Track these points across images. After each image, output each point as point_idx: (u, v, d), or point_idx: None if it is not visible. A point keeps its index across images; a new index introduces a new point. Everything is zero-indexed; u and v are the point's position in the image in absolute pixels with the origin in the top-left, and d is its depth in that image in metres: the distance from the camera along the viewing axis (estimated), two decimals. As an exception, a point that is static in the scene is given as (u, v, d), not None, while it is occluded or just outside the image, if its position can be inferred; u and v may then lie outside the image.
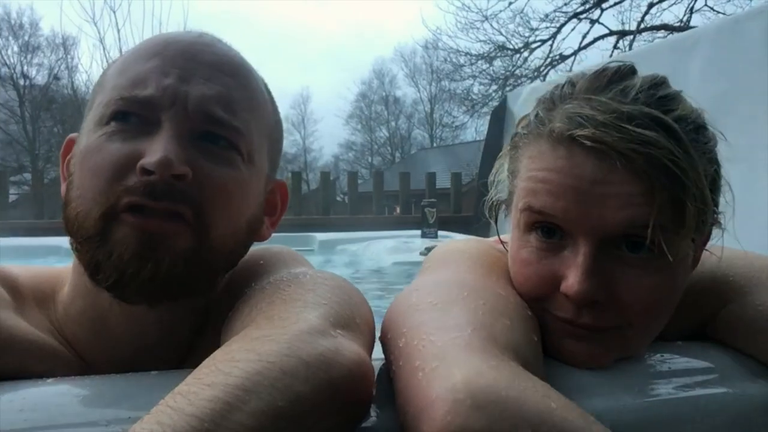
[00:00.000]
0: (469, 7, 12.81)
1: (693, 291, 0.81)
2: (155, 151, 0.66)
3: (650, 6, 11.89)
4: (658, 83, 0.73)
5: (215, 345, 0.69)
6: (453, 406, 0.51)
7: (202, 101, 0.71)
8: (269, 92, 0.84)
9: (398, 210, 7.30)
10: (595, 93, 0.71)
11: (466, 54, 13.44)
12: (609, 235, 0.68)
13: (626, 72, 0.74)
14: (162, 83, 0.70)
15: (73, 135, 0.79)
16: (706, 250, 0.78)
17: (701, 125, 0.73)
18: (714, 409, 0.73)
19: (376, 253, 3.69)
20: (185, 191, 0.67)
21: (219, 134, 0.72)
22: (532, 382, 0.56)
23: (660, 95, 0.71)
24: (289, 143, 32.55)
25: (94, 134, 0.70)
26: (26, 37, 20.35)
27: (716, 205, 0.75)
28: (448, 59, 14.32)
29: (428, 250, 3.41)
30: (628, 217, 0.67)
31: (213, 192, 0.70)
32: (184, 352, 0.78)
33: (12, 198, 7.85)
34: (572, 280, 0.68)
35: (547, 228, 0.72)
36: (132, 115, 0.70)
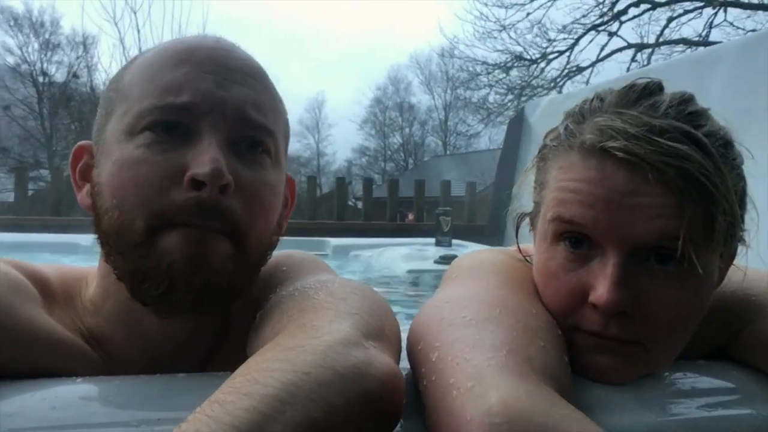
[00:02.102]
0: (487, 17, 12.86)
1: (715, 310, 0.80)
2: (204, 162, 0.66)
3: (669, 20, 11.87)
4: (687, 99, 0.73)
5: (237, 349, 0.70)
6: (488, 429, 0.51)
7: (239, 106, 0.72)
8: (277, 91, 0.84)
9: (411, 217, 7.30)
10: (625, 107, 0.72)
11: (483, 63, 13.48)
12: (639, 247, 0.69)
13: (654, 88, 0.74)
14: (199, 89, 0.70)
15: (83, 143, 0.79)
16: (734, 265, 0.78)
17: (729, 141, 0.73)
18: (735, 429, 0.72)
19: (390, 260, 3.69)
20: (229, 206, 0.68)
21: (254, 138, 0.73)
22: (569, 410, 0.55)
23: (689, 111, 0.72)
24: (303, 147, 32.57)
25: (128, 145, 0.69)
26: (47, 35, 20.53)
27: (743, 221, 0.75)
28: (465, 68, 14.38)
29: (442, 258, 3.44)
30: (658, 229, 0.67)
31: (251, 201, 0.71)
32: (208, 354, 0.79)
33: (30, 193, 7.95)
34: (601, 290, 0.68)
35: (575, 238, 0.72)
36: (168, 124, 0.69)
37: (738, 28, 11.15)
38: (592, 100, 0.77)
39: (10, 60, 19.90)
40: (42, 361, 0.68)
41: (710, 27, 11.49)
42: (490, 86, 13.84)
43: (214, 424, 0.47)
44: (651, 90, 0.73)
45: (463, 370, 0.58)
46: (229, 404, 0.49)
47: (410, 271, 3.35)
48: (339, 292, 0.68)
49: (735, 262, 0.79)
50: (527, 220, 0.85)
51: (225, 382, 0.53)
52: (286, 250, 0.86)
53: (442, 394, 0.58)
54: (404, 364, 0.70)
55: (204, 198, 0.66)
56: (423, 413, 0.62)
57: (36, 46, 20.32)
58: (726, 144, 0.72)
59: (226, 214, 0.68)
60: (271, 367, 0.53)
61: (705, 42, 11.20)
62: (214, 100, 0.70)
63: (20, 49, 20.08)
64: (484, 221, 6.07)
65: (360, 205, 8.21)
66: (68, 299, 0.78)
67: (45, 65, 20.33)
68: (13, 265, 0.75)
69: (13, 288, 0.70)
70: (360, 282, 0.75)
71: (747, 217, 0.76)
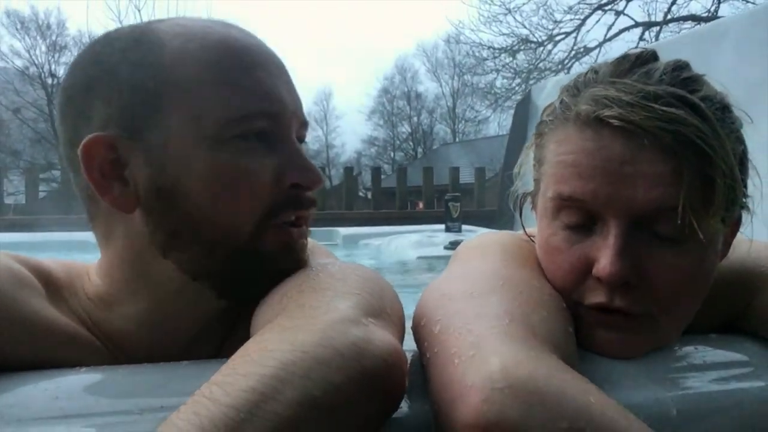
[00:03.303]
0: (491, 0, 12.75)
1: (723, 282, 0.79)
2: (301, 166, 0.75)
3: (677, -4, 11.71)
4: (682, 66, 0.73)
5: (246, 336, 0.70)
6: (490, 394, 0.50)
7: (300, 107, 0.78)
8: None
9: (421, 205, 7.28)
10: (619, 77, 0.72)
11: (489, 47, 13.40)
12: (639, 216, 0.68)
13: (648, 57, 0.74)
14: (281, 97, 0.74)
15: (96, 137, 0.69)
16: (740, 233, 0.77)
17: (726, 105, 0.73)
18: (749, 402, 0.71)
19: (400, 248, 3.68)
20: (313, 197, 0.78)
21: (304, 135, 0.80)
22: (571, 375, 0.55)
23: (684, 77, 0.71)
24: (312, 139, 32.63)
25: (221, 153, 0.70)
26: (54, 37, 20.71)
27: (745, 186, 0.74)
28: (471, 53, 14.30)
29: (452, 244, 3.43)
30: (657, 197, 0.66)
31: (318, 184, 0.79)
32: (219, 343, 0.79)
33: (41, 194, 8.01)
34: (604, 261, 0.67)
35: (576, 213, 0.71)
36: (260, 132, 0.73)
37: (748, 1, 10.99)
38: (587, 73, 0.76)
39: (19, 63, 20.11)
40: (47, 352, 0.69)
41: (719, 2, 11.35)
42: (497, 71, 13.76)
43: (212, 405, 0.47)
44: (645, 59, 0.73)
45: (464, 340, 0.58)
46: (228, 385, 0.49)
47: (420, 258, 3.35)
48: (338, 273, 0.68)
49: (740, 233, 0.78)
50: (530, 200, 0.84)
51: (224, 365, 0.53)
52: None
53: (444, 363, 0.57)
54: (412, 345, 0.69)
55: (304, 195, 0.76)
56: (426, 387, 0.61)
57: (43, 48, 20.52)
58: (723, 108, 0.71)
59: (315, 203, 0.78)
60: (269, 347, 0.53)
61: (714, 18, 11.06)
62: (292, 106, 0.76)
63: (28, 51, 20.29)
64: (494, 207, 6.05)
65: (370, 195, 8.20)
66: (72, 291, 0.78)
67: (53, 67, 20.52)
68: (15, 259, 0.75)
69: (17, 281, 0.71)
70: (361, 265, 0.75)
71: (752, 186, 0.75)
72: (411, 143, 33.79)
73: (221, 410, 0.47)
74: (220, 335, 0.80)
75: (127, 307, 0.76)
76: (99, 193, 0.71)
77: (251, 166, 0.71)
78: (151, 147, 0.70)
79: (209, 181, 0.70)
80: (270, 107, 0.73)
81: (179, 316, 0.76)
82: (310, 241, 0.86)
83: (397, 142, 33.86)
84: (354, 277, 0.67)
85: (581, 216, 0.71)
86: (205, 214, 0.70)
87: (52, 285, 0.76)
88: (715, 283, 0.75)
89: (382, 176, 7.30)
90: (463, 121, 31.80)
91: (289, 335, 0.54)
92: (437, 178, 6.90)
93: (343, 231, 4.22)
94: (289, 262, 0.74)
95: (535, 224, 0.82)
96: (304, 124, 0.79)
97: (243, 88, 0.71)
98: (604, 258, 0.67)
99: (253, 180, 0.71)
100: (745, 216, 0.77)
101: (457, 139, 31.57)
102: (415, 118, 33.61)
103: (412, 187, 8.04)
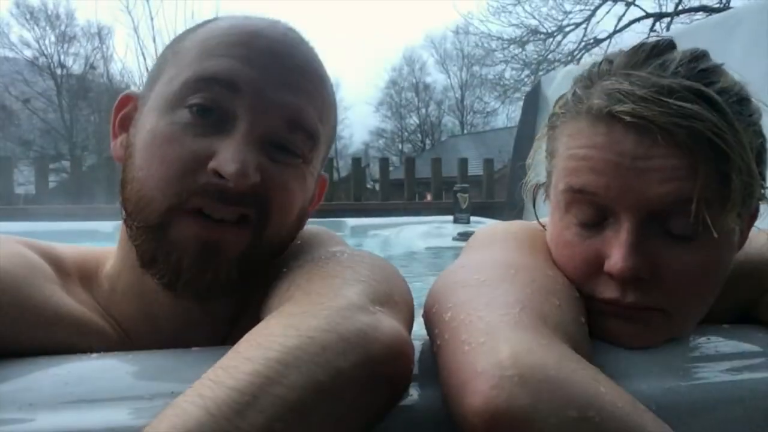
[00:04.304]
0: (501, -9, 12.66)
1: (739, 273, 0.78)
2: (231, 159, 0.65)
3: (689, -14, 11.59)
4: (699, 56, 0.71)
5: (255, 324, 0.70)
6: (499, 381, 0.50)
7: (282, 108, 0.70)
8: (334, 96, 0.83)
9: (429, 197, 7.26)
10: (634, 68, 0.70)
11: (498, 38, 13.34)
12: (652, 211, 0.67)
13: (665, 47, 0.72)
14: (250, 80, 0.69)
15: (132, 92, 0.78)
16: (756, 227, 0.76)
17: (745, 97, 0.71)
18: (762, 393, 0.70)
19: (408, 239, 3.68)
20: (254, 195, 0.68)
21: (292, 143, 0.72)
22: (582, 364, 0.55)
23: (701, 68, 0.69)
24: (320, 130, 32.53)
25: (166, 118, 0.69)
26: (63, 27, 20.77)
27: (763, 178, 0.73)
28: (480, 44, 14.23)
29: (461, 235, 3.42)
30: (671, 192, 0.65)
31: (277, 192, 0.71)
32: (227, 330, 0.79)
33: (51, 185, 8.05)
34: (616, 257, 0.66)
35: (588, 207, 0.70)
36: (207, 108, 0.68)
37: (760, -8, 10.87)
38: (601, 63, 0.75)
39: (28, 53, 20.20)
40: (58, 337, 0.69)
41: (731, -8, 11.22)
42: (506, 62, 13.71)
43: (217, 388, 0.47)
44: (661, 49, 0.71)
45: (475, 327, 0.57)
46: (233, 369, 0.49)
47: (429, 249, 3.34)
48: (347, 261, 0.68)
49: (758, 224, 0.77)
50: (543, 191, 0.84)
51: (231, 349, 0.53)
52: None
53: (454, 350, 0.57)
54: (423, 333, 0.69)
55: (227, 186, 0.66)
56: (436, 374, 0.61)
57: (52, 38, 20.59)
58: (741, 100, 0.70)
59: (248, 200, 0.68)
60: (275, 332, 0.53)
61: (726, 8, 10.94)
62: (261, 98, 0.69)
63: (37, 42, 20.37)
64: (503, 198, 6.02)
65: (378, 186, 8.18)
66: (85, 278, 0.78)
67: (62, 57, 20.61)
68: (27, 245, 0.75)
69: (29, 267, 0.71)
70: (371, 253, 0.74)
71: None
72: (419, 135, 33.70)
73: (225, 393, 0.47)
74: (227, 322, 0.79)
75: (119, 282, 0.76)
76: (111, 138, 0.77)
77: (182, 138, 0.67)
78: (144, 105, 0.73)
79: (146, 142, 0.69)
80: (224, 80, 0.68)
81: (157, 294, 0.73)
82: (321, 230, 0.86)
83: (406, 133, 33.76)
84: (363, 264, 0.67)
85: (593, 210, 0.70)
86: (136, 177, 0.69)
87: (64, 271, 0.76)
88: (731, 273, 0.74)
89: (391, 168, 7.27)
90: (471, 113, 31.74)
91: (295, 321, 0.54)
92: (446, 170, 6.86)
93: (351, 222, 4.20)
94: (197, 265, 0.67)
95: (548, 215, 0.82)
96: (299, 129, 0.72)
97: (215, 59, 0.70)
98: (616, 254, 0.67)
99: (178, 155, 0.67)
100: (763, 207, 0.76)
101: (465, 131, 31.44)
102: (424, 110, 33.52)
103: (421, 178, 8.01)
